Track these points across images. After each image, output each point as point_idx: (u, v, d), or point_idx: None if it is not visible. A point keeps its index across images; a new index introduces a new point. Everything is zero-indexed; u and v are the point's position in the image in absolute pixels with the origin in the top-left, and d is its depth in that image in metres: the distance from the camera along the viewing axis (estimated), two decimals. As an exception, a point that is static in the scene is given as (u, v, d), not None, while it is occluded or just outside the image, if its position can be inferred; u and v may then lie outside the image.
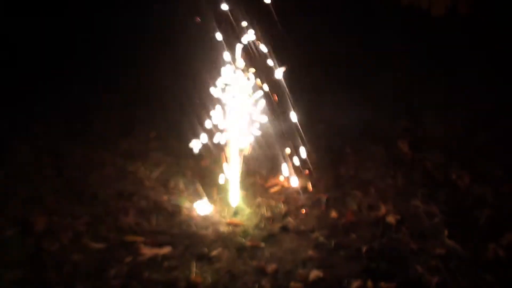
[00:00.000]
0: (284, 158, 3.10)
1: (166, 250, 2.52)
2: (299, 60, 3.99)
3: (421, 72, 4.40)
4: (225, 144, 2.90)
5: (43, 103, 4.13)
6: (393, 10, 4.53)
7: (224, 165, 2.92)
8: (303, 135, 3.13)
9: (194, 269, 2.39)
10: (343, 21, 4.82)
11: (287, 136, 3.24)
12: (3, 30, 4.66)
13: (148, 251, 2.51)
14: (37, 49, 4.71)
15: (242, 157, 2.95)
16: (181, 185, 3.10)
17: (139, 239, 2.60)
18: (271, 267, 2.40)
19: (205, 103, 2.94)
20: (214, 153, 3.07)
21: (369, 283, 2.28)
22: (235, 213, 2.86)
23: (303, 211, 2.90)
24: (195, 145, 2.89)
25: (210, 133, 2.89)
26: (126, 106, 4.17)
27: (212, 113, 2.87)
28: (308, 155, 3.08)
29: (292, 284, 2.30)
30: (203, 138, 2.88)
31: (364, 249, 2.52)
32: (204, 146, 2.95)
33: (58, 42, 4.79)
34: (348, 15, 4.86)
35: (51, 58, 4.63)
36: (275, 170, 3.24)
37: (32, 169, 3.28)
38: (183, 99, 3.72)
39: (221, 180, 2.94)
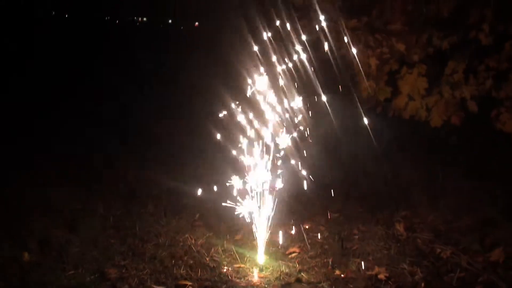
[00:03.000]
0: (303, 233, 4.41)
1: (210, 291, 3.74)
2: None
3: (419, 171, 5.73)
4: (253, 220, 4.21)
5: (102, 186, 5.57)
6: (397, 120, 5.86)
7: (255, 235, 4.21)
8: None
9: (231, 303, 3.59)
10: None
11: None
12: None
13: (196, 292, 3.73)
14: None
15: (268, 230, 4.24)
16: (220, 250, 4.37)
17: (189, 283, 3.84)
18: (288, 303, 3.59)
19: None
20: (245, 229, 4.39)
21: (360, 313, 3.44)
22: (261, 270, 4.09)
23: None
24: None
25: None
26: (172, 195, 5.54)
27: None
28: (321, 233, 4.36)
29: (303, 313, 3.47)
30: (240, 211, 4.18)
31: (358, 292, 3.69)
32: (238, 223, 4.27)
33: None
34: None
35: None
36: (293, 240, 4.50)
37: (100, 238, 4.58)
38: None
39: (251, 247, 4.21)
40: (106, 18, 32.19)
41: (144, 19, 37.81)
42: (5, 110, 8.10)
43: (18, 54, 12.45)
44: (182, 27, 32.97)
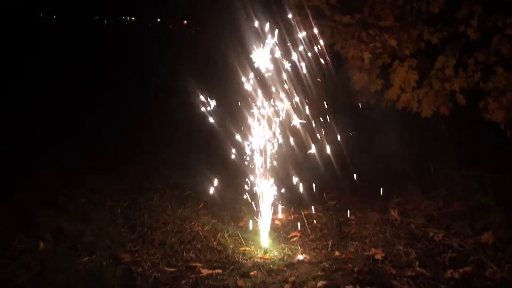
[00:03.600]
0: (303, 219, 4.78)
1: (218, 271, 4.09)
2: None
3: (411, 162, 6.11)
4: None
5: (108, 181, 5.93)
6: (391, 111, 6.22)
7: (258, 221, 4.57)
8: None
9: (239, 280, 3.92)
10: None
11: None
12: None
13: (206, 271, 4.08)
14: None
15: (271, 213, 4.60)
16: (226, 235, 4.72)
17: (199, 264, 4.18)
18: (291, 279, 3.96)
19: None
20: (248, 217, 4.75)
21: (358, 287, 3.79)
22: (265, 252, 4.44)
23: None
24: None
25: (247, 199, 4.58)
26: (175, 188, 5.88)
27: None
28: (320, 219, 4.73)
29: (305, 288, 3.83)
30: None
31: (356, 270, 4.05)
32: (241, 210, 4.62)
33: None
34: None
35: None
36: (294, 225, 4.87)
37: (111, 227, 4.90)
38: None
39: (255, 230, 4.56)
40: (95, 18, 32.47)
41: (133, 18, 38.13)
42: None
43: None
44: (171, 26, 33.36)
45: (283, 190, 4.94)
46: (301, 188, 4.84)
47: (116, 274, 4.05)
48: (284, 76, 4.69)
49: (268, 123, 4.65)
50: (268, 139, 4.66)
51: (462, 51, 5.53)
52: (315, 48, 5.30)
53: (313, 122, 5.35)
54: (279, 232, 4.85)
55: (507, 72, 5.19)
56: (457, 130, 6.26)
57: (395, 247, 4.50)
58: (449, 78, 5.44)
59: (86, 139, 7.44)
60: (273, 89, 4.68)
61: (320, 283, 3.88)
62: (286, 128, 4.81)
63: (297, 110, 4.96)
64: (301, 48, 4.93)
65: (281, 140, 4.79)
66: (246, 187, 4.83)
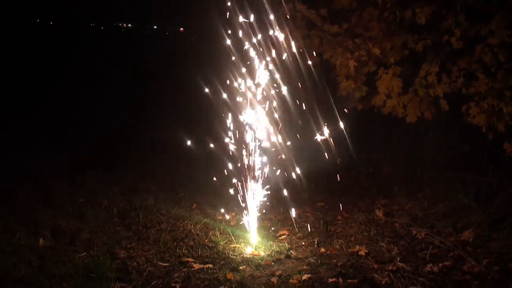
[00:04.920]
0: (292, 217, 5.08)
1: (209, 265, 4.38)
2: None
3: (398, 165, 6.42)
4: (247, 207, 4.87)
5: (103, 183, 6.20)
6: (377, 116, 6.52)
7: (247, 219, 4.86)
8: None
9: (228, 274, 4.21)
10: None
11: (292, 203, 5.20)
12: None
13: (197, 266, 4.36)
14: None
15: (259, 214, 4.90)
16: (217, 233, 5.01)
17: (191, 260, 4.47)
18: (278, 273, 4.25)
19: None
20: (239, 216, 5.05)
21: (340, 280, 4.09)
22: (254, 248, 4.73)
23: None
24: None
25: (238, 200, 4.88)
26: (171, 189, 6.17)
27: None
28: (308, 219, 5.05)
29: (291, 280, 4.11)
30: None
31: (339, 264, 4.34)
32: (232, 210, 4.94)
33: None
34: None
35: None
36: (283, 224, 5.17)
37: (107, 226, 5.18)
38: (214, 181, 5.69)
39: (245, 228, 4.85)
40: (91, 25, 32.86)
41: (129, 25, 38.52)
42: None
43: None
44: (167, 33, 33.74)
45: (272, 191, 5.22)
46: (285, 192, 5.10)
47: (112, 268, 4.31)
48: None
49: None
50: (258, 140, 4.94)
51: (445, 59, 5.82)
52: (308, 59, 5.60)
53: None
54: (268, 230, 5.15)
55: (488, 77, 5.50)
56: (441, 133, 6.57)
57: (378, 244, 4.79)
58: (432, 84, 5.73)
59: (84, 142, 7.85)
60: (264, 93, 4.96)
61: (305, 276, 4.17)
62: (276, 130, 5.08)
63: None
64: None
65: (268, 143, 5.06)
66: (237, 187, 5.10)
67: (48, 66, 13.65)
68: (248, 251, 4.70)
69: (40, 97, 10.44)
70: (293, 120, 5.56)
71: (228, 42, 4.85)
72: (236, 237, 4.94)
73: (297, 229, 5.16)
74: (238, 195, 4.98)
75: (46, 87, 11.25)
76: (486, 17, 5.52)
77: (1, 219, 5.15)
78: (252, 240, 4.86)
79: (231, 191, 5.03)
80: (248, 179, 4.91)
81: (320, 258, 4.53)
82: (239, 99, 4.91)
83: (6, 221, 5.13)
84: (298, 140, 5.61)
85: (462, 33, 5.59)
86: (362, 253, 4.61)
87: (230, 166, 4.99)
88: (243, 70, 4.85)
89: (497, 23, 5.35)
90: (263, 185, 5.01)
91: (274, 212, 5.53)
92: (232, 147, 4.93)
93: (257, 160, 4.91)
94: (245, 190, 4.92)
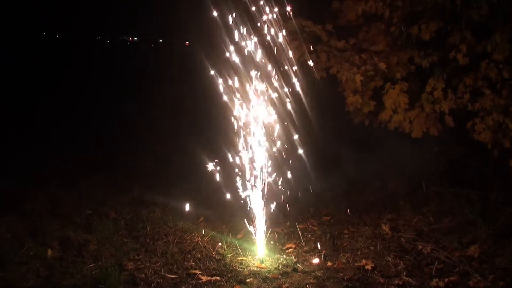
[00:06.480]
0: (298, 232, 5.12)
1: (216, 278, 4.42)
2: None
3: (404, 180, 6.47)
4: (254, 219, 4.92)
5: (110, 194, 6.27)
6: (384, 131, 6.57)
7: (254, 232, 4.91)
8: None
9: (235, 286, 4.24)
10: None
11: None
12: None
13: (205, 278, 4.41)
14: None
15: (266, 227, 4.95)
16: (224, 246, 5.05)
17: (199, 272, 4.51)
18: (285, 286, 4.30)
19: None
20: (246, 229, 5.09)
21: (347, 294, 4.13)
22: (261, 261, 4.76)
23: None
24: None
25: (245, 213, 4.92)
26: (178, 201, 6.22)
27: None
28: (314, 233, 5.11)
29: (297, 293, 4.15)
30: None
31: (346, 278, 4.38)
32: (239, 223, 4.99)
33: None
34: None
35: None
36: (289, 238, 5.21)
37: (115, 237, 5.23)
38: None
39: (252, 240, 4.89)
40: (97, 38, 33.08)
41: (135, 38, 38.76)
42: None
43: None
44: (172, 46, 33.93)
45: (278, 205, 5.27)
46: (292, 206, 5.16)
47: (120, 280, 4.36)
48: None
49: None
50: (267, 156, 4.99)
51: (451, 75, 5.89)
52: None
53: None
54: (275, 244, 5.19)
55: (493, 93, 5.56)
56: (446, 149, 6.63)
57: (384, 258, 4.82)
58: (438, 100, 5.79)
59: (93, 153, 7.99)
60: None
61: (311, 290, 4.22)
62: (284, 145, 5.13)
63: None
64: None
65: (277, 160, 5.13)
66: (244, 201, 5.15)
67: (55, 76, 13.90)
68: (255, 264, 4.73)
69: (45, 105, 10.63)
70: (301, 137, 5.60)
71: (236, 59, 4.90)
72: (243, 250, 4.98)
73: (303, 243, 5.19)
74: (246, 208, 5.02)
75: (53, 96, 11.44)
76: (491, 33, 5.60)
77: (9, 229, 5.19)
78: (259, 253, 4.90)
79: (238, 204, 5.07)
80: (255, 193, 4.95)
81: (326, 272, 4.57)
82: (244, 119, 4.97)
83: (14, 231, 5.18)
84: (304, 157, 5.69)
85: (468, 48, 5.67)
86: (368, 267, 4.64)
87: (238, 180, 5.02)
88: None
89: (501, 35, 5.42)
90: (270, 199, 5.05)
91: (280, 226, 5.56)
92: (239, 161, 4.98)
93: (265, 175, 4.96)
94: (252, 203, 4.97)
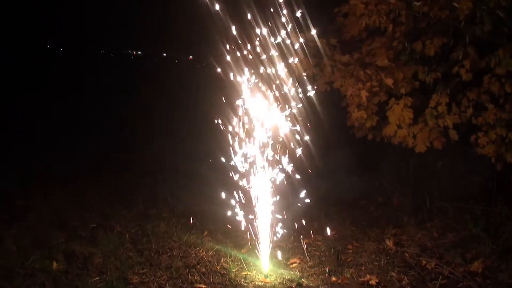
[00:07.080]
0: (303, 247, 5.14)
1: (222, 292, 4.43)
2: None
3: (407, 194, 6.49)
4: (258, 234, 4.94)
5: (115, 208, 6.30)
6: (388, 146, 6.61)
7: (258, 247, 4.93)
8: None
9: (240, 300, 4.27)
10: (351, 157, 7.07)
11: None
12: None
13: (209, 293, 4.41)
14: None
15: (271, 243, 4.96)
16: (229, 260, 5.07)
17: (203, 286, 4.53)
18: (290, 300, 4.28)
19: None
20: (251, 244, 5.11)
21: (351, 308, 4.13)
22: (266, 276, 4.78)
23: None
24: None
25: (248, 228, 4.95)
26: (182, 216, 6.24)
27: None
28: (319, 248, 5.13)
29: (303, 308, 4.16)
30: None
31: (351, 293, 4.40)
32: (243, 238, 5.00)
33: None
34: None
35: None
36: (294, 253, 5.22)
37: (120, 251, 5.25)
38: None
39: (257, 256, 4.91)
40: (101, 52, 33.34)
41: (139, 52, 39.03)
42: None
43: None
44: (176, 61, 34.16)
45: (283, 220, 5.28)
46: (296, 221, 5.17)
47: (125, 293, 4.40)
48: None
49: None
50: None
51: (455, 90, 5.93)
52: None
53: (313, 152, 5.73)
54: (280, 258, 5.18)
55: (496, 108, 5.60)
56: (450, 163, 6.65)
57: (388, 274, 4.83)
58: (442, 115, 5.83)
59: (97, 167, 8.04)
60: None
61: (316, 304, 4.23)
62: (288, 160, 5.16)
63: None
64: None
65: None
66: (248, 217, 5.17)
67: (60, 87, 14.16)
68: (260, 278, 4.75)
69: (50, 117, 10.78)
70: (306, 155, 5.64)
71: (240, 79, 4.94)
72: (247, 265, 4.99)
73: (308, 258, 5.21)
74: (250, 224, 5.04)
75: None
76: (495, 48, 5.64)
77: (15, 242, 5.22)
78: (264, 268, 4.92)
79: (243, 219, 5.09)
80: (260, 209, 4.98)
81: (331, 287, 4.58)
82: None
83: (20, 244, 5.20)
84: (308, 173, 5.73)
85: (472, 64, 5.70)
86: (373, 282, 4.66)
87: (241, 195, 5.05)
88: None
89: (504, 52, 5.46)
90: (274, 214, 5.07)
91: (285, 241, 5.56)
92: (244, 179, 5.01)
93: (268, 191, 4.98)
94: (257, 219, 4.99)
